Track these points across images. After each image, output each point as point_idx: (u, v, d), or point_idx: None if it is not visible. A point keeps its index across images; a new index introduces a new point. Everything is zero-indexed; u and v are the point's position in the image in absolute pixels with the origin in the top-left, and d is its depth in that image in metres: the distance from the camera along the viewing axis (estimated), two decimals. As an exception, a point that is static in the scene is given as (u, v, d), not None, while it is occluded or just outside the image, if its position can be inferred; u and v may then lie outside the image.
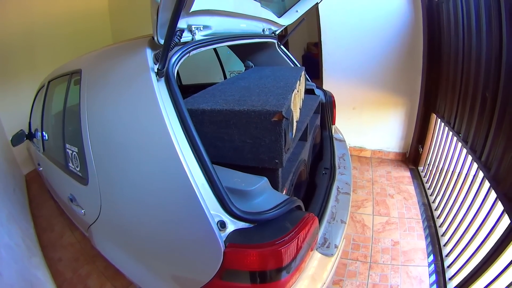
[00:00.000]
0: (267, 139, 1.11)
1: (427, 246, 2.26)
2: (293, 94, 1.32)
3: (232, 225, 0.99)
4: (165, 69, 1.08)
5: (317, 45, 3.41)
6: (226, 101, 1.23)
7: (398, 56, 3.04)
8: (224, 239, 0.96)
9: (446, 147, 2.57)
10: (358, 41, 3.13)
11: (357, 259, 2.19)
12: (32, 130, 2.51)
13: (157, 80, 1.07)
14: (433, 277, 2.01)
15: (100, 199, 1.35)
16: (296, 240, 0.97)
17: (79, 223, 1.82)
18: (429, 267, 2.09)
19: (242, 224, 1.00)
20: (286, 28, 2.58)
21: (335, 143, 2.27)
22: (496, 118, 1.67)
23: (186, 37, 1.33)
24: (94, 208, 1.40)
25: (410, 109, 3.22)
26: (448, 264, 2.01)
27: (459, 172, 2.28)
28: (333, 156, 2.07)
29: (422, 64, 2.87)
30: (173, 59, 1.16)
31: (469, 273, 1.69)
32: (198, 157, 1.03)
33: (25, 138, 2.49)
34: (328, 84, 3.40)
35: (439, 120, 2.77)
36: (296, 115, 1.45)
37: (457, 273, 1.88)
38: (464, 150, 2.17)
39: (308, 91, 2.26)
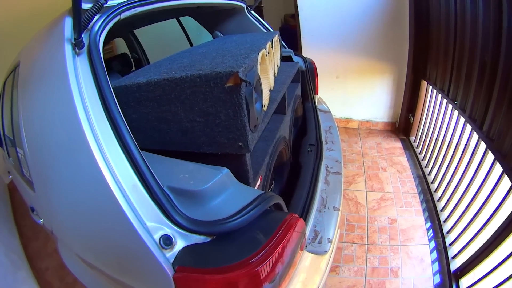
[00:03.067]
0: (223, 115, 0.76)
1: (426, 220, 2.05)
2: (260, 54, 0.96)
3: (182, 240, 0.67)
4: (87, 39, 0.84)
5: (295, 16, 3.04)
6: (170, 69, 0.87)
7: (381, 20, 2.72)
8: (172, 260, 0.65)
9: (440, 115, 2.33)
10: (337, 4, 2.77)
11: (353, 241, 1.95)
12: (2, 136, 2.14)
13: (76, 54, 0.81)
14: (434, 255, 1.81)
15: (46, 207, 1.06)
16: (275, 256, 0.65)
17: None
18: (429, 244, 1.88)
19: (196, 238, 0.68)
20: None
21: (320, 114, 1.93)
22: (498, 85, 1.47)
23: None
24: (45, 217, 1.13)
25: (398, 77, 2.93)
26: (450, 242, 1.82)
27: (457, 143, 2.05)
28: (318, 130, 1.73)
29: (409, 29, 2.58)
30: (97, 25, 0.88)
31: (475, 253, 1.51)
32: (125, 149, 0.69)
33: None
34: (308, 53, 3.03)
35: (430, 87, 2.53)
36: (268, 82, 1.11)
37: (460, 251, 1.69)
38: (462, 119, 1.95)
39: (285, 59, 1.89)
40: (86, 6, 0.81)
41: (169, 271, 0.63)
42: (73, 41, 0.80)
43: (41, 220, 1.26)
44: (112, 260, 0.81)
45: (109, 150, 0.69)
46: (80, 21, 0.76)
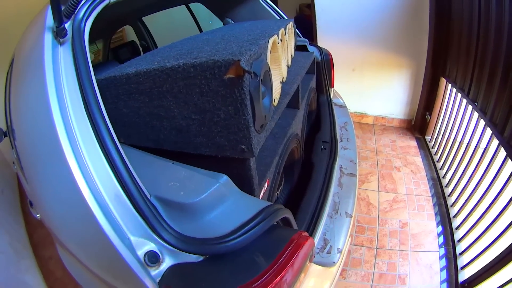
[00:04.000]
0: (222, 113, 0.64)
1: (437, 225, 1.93)
2: (271, 41, 0.83)
3: (170, 257, 0.58)
4: (71, 27, 0.75)
5: (310, 6, 2.87)
6: (164, 58, 0.74)
7: (401, 12, 2.55)
8: (158, 279, 0.56)
9: (459, 116, 2.18)
10: (356, -6, 2.62)
11: (362, 244, 1.84)
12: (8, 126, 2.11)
13: (58, 44, 0.73)
14: (443, 262, 1.71)
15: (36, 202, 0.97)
16: (277, 283, 0.53)
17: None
18: (439, 250, 1.77)
19: (186, 256, 0.58)
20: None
21: (335, 109, 1.79)
22: None
23: None
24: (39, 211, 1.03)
25: (416, 72, 2.75)
26: (460, 251, 1.71)
27: (475, 146, 1.91)
28: (333, 126, 1.59)
29: (430, 23, 2.41)
30: (82, 11, 0.78)
31: (485, 266, 1.41)
32: (107, 154, 0.58)
33: (3, 136, 2.09)
34: (324, 43, 2.85)
35: (449, 85, 2.36)
36: (280, 73, 0.97)
37: (470, 262, 1.58)
38: (482, 122, 1.81)
39: (300, 49, 1.74)
40: None
41: None
42: (55, 30, 0.71)
43: (38, 215, 1.20)
44: (102, 269, 0.72)
45: (89, 155, 0.60)
46: (59, 6, 0.67)
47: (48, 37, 0.73)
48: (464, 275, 1.57)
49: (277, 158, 1.02)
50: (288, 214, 0.71)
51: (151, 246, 0.56)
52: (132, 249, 0.56)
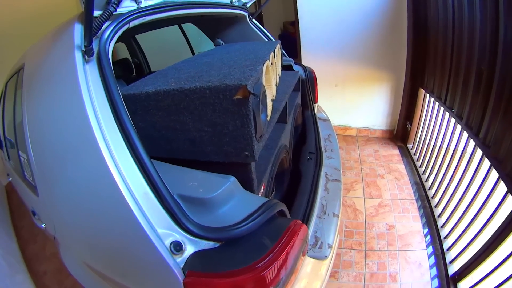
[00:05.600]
0: (231, 125, 0.80)
1: (423, 226, 2.07)
2: (264, 66, 1.00)
3: (191, 246, 0.70)
4: (97, 46, 0.85)
5: (294, 23, 3.09)
6: (178, 79, 0.90)
7: (380, 29, 2.76)
8: (182, 265, 0.68)
9: (438, 123, 2.36)
10: (336, 14, 2.82)
11: (351, 247, 1.97)
12: (2, 138, 2.14)
13: (86, 62, 0.83)
14: (432, 260, 1.83)
15: (50, 212, 1.07)
16: (280, 261, 0.68)
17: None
18: (427, 249, 1.90)
19: (205, 244, 0.71)
20: (256, 3, 2.22)
21: (319, 123, 1.97)
22: (494, 93, 1.50)
23: (129, 6, 1.05)
24: (49, 222, 1.13)
25: (395, 85, 2.97)
26: (447, 247, 1.85)
27: (453, 150, 2.07)
28: (317, 138, 1.77)
29: (408, 38, 2.61)
30: (107, 33, 0.90)
31: (472, 257, 1.54)
32: (136, 157, 0.72)
33: None
34: (307, 61, 3.08)
35: (427, 95, 2.56)
36: (271, 92, 1.14)
37: (458, 256, 1.72)
38: (458, 126, 1.97)
39: (286, 68, 1.93)
40: (96, 13, 0.83)
41: (180, 276, 0.66)
42: (83, 49, 0.82)
43: (43, 225, 1.26)
44: (121, 266, 0.83)
45: (120, 158, 0.71)
46: (91, 29, 0.78)
47: (78, 55, 0.83)
48: (453, 268, 1.69)
49: (270, 165, 1.18)
50: (283, 207, 0.86)
51: (175, 237, 0.69)
52: (161, 239, 0.68)
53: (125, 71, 2.61)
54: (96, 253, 0.91)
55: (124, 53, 3.04)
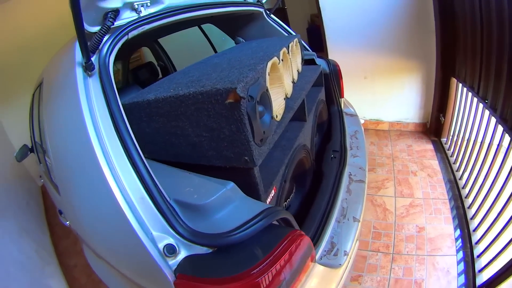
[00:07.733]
0: (226, 130, 0.80)
1: (455, 229, 1.94)
2: (269, 64, 0.98)
3: (184, 249, 0.73)
4: (97, 61, 0.91)
5: (320, 16, 3.01)
6: (179, 85, 0.92)
7: (406, 16, 2.61)
8: (174, 267, 0.72)
9: (472, 115, 2.18)
10: (359, 4, 2.71)
11: (378, 250, 1.90)
12: (33, 143, 2.39)
13: (88, 76, 0.90)
14: (461, 266, 1.71)
15: (68, 210, 1.19)
16: (271, 271, 0.68)
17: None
18: (457, 254, 1.78)
19: (198, 249, 0.73)
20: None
21: (346, 118, 1.90)
22: None
23: (129, 17, 1.08)
24: (69, 219, 1.25)
25: (426, 75, 2.78)
26: (478, 254, 1.70)
27: (488, 144, 1.91)
28: (343, 135, 1.71)
29: (435, 23, 2.44)
30: (106, 47, 0.94)
31: (501, 267, 1.41)
32: (134, 165, 0.75)
33: (29, 152, 2.37)
34: (334, 53, 3.01)
35: (460, 85, 2.37)
36: (283, 90, 1.12)
37: (488, 264, 1.58)
38: (493, 119, 1.81)
39: (308, 62, 1.89)
40: (94, 29, 0.89)
41: (170, 278, 0.70)
42: (84, 64, 0.88)
43: (67, 222, 1.39)
44: (126, 263, 0.89)
45: (119, 165, 0.76)
46: (87, 45, 0.83)
47: (79, 71, 0.90)
48: (482, 278, 1.56)
49: (284, 167, 1.15)
50: (287, 215, 0.84)
51: (169, 240, 0.72)
52: (154, 242, 0.71)
53: (150, 74, 2.73)
54: (106, 250, 0.98)
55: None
